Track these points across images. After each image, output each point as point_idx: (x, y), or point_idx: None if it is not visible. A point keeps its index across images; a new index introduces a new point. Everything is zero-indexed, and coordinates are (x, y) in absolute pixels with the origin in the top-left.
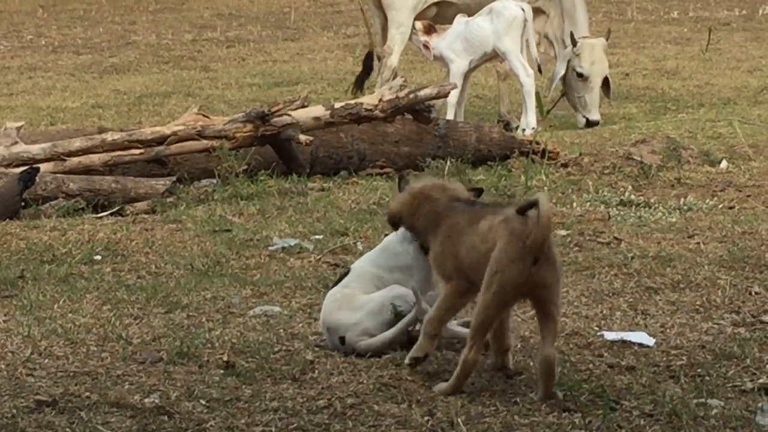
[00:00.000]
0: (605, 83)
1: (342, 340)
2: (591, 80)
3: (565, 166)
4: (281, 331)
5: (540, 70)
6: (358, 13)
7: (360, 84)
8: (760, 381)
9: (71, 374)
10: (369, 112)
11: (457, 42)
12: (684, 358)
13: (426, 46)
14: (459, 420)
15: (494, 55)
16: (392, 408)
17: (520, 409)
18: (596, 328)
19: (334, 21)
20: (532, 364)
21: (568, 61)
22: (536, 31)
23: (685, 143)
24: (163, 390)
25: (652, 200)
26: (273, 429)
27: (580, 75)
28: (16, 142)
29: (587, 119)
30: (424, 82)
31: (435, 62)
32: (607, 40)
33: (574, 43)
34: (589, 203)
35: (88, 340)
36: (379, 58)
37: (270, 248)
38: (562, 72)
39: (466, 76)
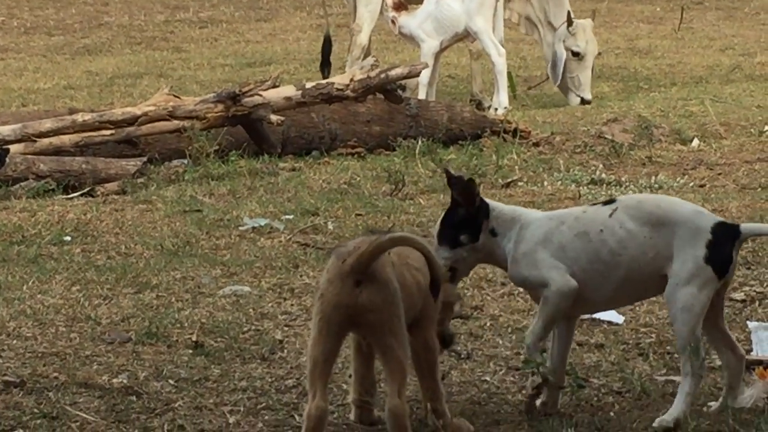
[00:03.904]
0: None
1: None
2: (586, 59)
3: (536, 145)
4: (251, 310)
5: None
6: None
7: (325, 72)
8: None
9: (39, 355)
10: (340, 91)
11: (427, 22)
12: (653, 335)
13: (393, 22)
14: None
15: (466, 35)
16: None
17: (488, 387)
18: None
19: (307, 1)
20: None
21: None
22: (517, 12)
23: (657, 122)
24: (132, 370)
25: (623, 179)
26: (241, 408)
27: (576, 54)
28: None
29: (582, 98)
30: (396, 61)
31: (403, 39)
32: (593, 20)
33: (570, 22)
34: (560, 182)
35: (56, 320)
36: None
37: (240, 228)
38: (564, 54)
39: (437, 55)
